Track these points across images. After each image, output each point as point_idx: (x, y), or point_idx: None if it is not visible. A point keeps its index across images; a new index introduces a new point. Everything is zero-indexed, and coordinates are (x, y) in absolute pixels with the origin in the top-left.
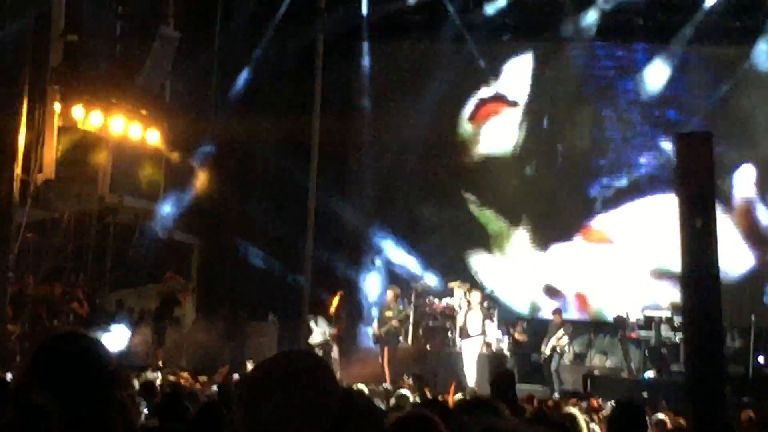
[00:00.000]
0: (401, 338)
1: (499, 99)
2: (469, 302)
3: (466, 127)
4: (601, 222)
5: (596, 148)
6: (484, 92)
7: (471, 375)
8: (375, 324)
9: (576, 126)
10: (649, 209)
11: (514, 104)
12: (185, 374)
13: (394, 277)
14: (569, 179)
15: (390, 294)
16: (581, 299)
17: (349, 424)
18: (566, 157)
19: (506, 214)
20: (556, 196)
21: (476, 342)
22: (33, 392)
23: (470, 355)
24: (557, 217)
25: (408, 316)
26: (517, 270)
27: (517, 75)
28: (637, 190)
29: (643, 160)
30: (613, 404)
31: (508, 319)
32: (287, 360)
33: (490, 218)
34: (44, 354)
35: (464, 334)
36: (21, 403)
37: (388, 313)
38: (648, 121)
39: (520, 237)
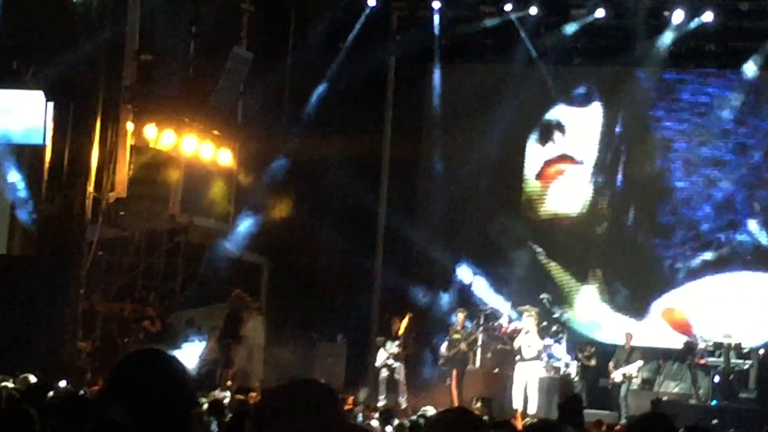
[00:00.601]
0: (470, 361)
1: (565, 158)
2: (527, 326)
3: (533, 186)
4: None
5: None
6: (550, 150)
7: (528, 398)
8: (444, 346)
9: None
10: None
11: (581, 163)
12: (253, 394)
13: (463, 299)
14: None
15: (459, 316)
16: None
17: None
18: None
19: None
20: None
21: (534, 366)
22: (110, 408)
23: (524, 378)
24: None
25: (476, 340)
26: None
27: (583, 131)
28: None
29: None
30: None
31: (577, 343)
32: (295, 389)
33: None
34: (123, 370)
35: (520, 357)
36: (98, 419)
37: (456, 336)
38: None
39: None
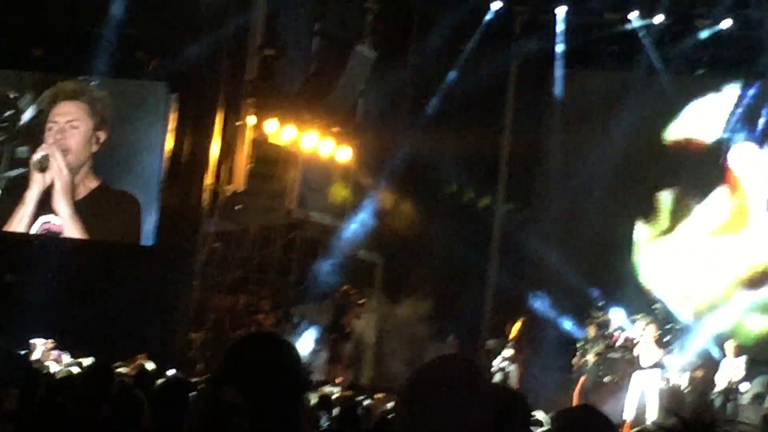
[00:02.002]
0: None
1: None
2: (644, 335)
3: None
4: None
5: None
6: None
7: (645, 408)
8: (578, 355)
9: None
10: None
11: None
12: (380, 395)
13: (576, 306)
14: None
15: (591, 330)
16: None
17: (507, 425)
18: None
19: None
20: None
21: (652, 375)
22: (223, 389)
23: (640, 388)
24: None
25: (601, 350)
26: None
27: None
28: None
29: None
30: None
31: (688, 355)
32: (442, 366)
33: None
34: (238, 352)
35: (636, 366)
36: (211, 399)
37: (587, 346)
38: None
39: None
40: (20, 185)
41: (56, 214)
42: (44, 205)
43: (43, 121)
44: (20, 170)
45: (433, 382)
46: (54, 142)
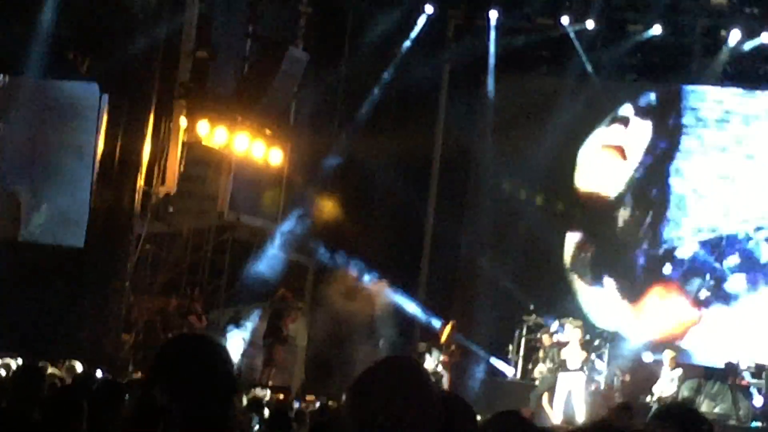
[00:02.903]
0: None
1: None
2: (572, 338)
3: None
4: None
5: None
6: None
7: (572, 409)
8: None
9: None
10: None
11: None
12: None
13: (507, 309)
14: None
15: (546, 339)
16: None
17: (453, 426)
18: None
19: None
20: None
21: (576, 377)
22: (154, 390)
23: (566, 389)
24: None
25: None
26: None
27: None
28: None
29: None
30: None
31: (618, 359)
32: (392, 366)
33: None
34: (168, 353)
35: (564, 367)
36: (141, 400)
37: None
38: None
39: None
40: None
41: None
42: None
43: None
44: None
45: (382, 384)
46: None
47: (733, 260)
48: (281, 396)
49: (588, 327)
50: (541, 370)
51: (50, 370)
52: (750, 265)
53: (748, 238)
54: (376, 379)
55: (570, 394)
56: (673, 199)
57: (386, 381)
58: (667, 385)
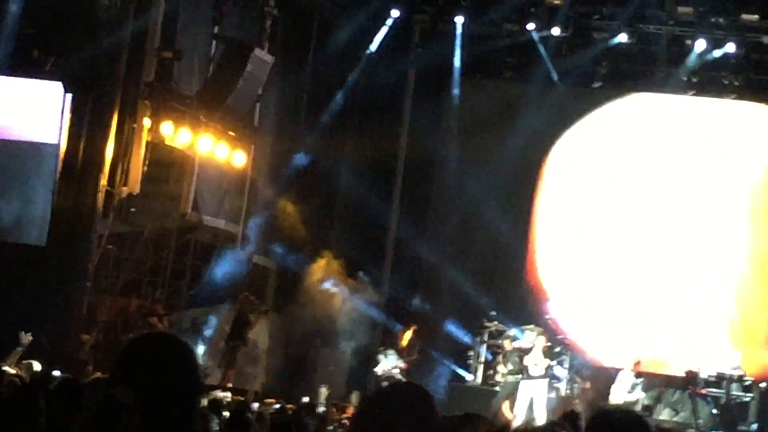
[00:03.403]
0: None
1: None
2: (534, 345)
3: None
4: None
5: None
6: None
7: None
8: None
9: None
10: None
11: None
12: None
13: (467, 315)
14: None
15: (506, 344)
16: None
17: None
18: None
19: None
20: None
21: (539, 384)
22: (116, 388)
23: (528, 395)
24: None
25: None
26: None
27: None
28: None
29: None
30: None
31: (578, 367)
32: (395, 392)
33: None
34: (132, 352)
35: (527, 374)
36: (103, 398)
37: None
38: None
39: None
40: None
41: None
42: None
43: None
44: None
45: (392, 408)
46: None
47: None
48: (240, 398)
49: (550, 334)
50: (502, 374)
51: (8, 368)
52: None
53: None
54: (387, 402)
55: (532, 401)
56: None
57: (391, 407)
58: (625, 392)
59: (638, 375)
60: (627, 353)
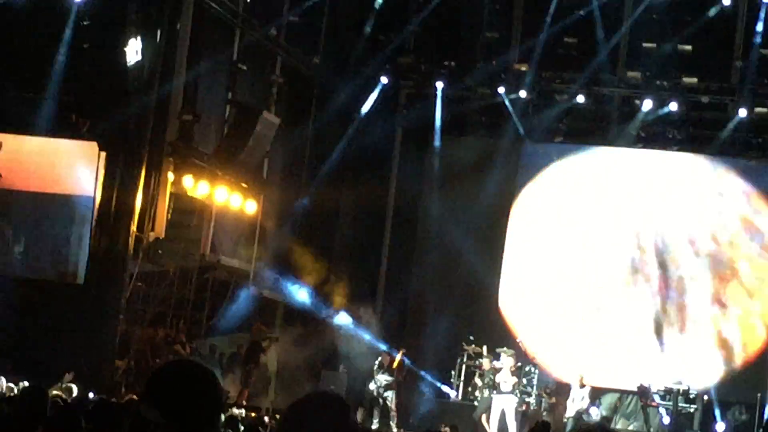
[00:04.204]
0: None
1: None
2: (504, 365)
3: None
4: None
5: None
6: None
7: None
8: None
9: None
10: None
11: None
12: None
13: (448, 339)
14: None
15: (485, 363)
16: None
17: None
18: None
19: None
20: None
21: (508, 399)
22: (141, 407)
23: (500, 408)
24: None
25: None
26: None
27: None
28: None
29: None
30: None
31: (544, 383)
32: (312, 401)
33: None
34: (160, 375)
35: (498, 390)
36: (133, 417)
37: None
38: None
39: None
40: None
41: None
42: None
43: None
44: None
45: (311, 412)
46: None
47: None
48: (254, 414)
49: (520, 355)
50: (480, 391)
51: (53, 391)
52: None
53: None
54: (308, 407)
55: (503, 414)
56: None
57: (309, 416)
58: (578, 402)
59: (583, 386)
60: (583, 371)
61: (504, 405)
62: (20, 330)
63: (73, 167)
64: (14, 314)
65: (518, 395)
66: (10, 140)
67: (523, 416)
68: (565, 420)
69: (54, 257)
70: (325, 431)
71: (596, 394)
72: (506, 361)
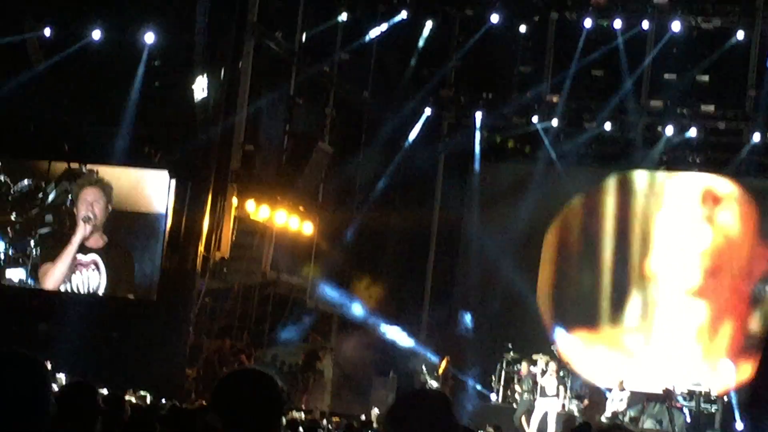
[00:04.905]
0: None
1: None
2: (545, 370)
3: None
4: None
5: None
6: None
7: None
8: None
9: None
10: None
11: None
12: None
13: (489, 346)
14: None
15: (524, 367)
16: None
17: None
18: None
19: None
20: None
21: (552, 402)
22: (208, 415)
23: (543, 411)
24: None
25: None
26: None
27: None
28: None
29: None
30: None
31: (578, 388)
32: (419, 397)
33: None
34: (223, 385)
35: (542, 393)
36: (199, 424)
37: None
38: None
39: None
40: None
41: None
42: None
43: (64, 200)
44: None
45: (416, 410)
46: (86, 211)
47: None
48: (312, 416)
49: (558, 360)
50: (519, 394)
51: (129, 398)
52: None
53: None
54: (412, 405)
55: (545, 416)
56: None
57: (416, 411)
58: (617, 404)
59: (622, 389)
60: (613, 375)
61: (548, 408)
62: (101, 343)
63: (147, 195)
64: (96, 329)
65: (561, 399)
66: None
67: (557, 418)
68: (599, 420)
69: (134, 278)
70: (432, 427)
71: (633, 398)
72: (549, 366)
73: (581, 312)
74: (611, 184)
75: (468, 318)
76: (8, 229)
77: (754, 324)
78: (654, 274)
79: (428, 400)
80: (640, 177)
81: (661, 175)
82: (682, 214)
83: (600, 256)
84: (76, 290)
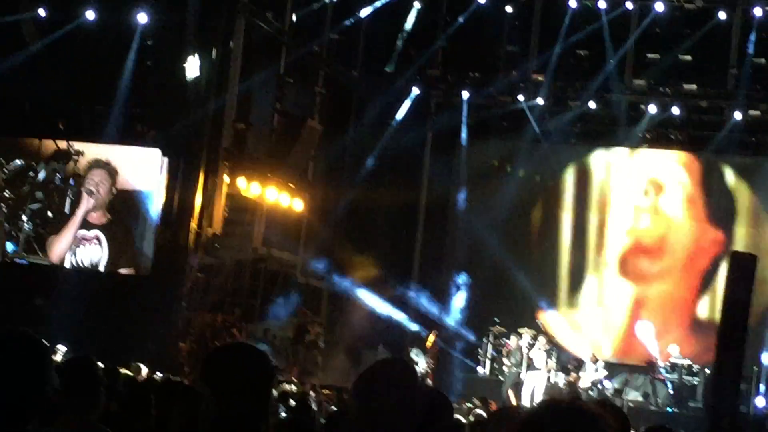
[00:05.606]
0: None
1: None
2: (533, 344)
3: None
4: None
5: None
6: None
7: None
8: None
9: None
10: None
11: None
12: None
13: (476, 321)
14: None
15: (513, 341)
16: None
17: (433, 417)
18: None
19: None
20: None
21: (541, 375)
22: (199, 386)
23: (532, 384)
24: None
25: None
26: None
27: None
28: None
29: None
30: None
31: (564, 361)
32: (383, 367)
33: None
34: (213, 357)
35: (531, 367)
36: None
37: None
38: None
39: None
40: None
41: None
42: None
43: (52, 178)
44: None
45: (379, 380)
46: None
47: None
48: (303, 389)
49: (540, 335)
50: (507, 367)
51: (123, 371)
52: None
53: None
54: (372, 378)
55: (534, 389)
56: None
57: (381, 379)
58: (592, 374)
59: (596, 361)
60: (595, 349)
61: (536, 381)
62: (96, 317)
63: (139, 172)
64: (91, 303)
65: (546, 371)
66: (82, 147)
67: (545, 390)
68: (581, 390)
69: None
70: (395, 395)
71: (610, 369)
72: (538, 340)
73: (564, 286)
74: (594, 161)
75: (462, 279)
76: (1, 204)
77: (703, 309)
78: (607, 259)
79: (391, 369)
80: (623, 154)
81: (644, 152)
82: (660, 187)
83: (584, 228)
84: (80, 263)
